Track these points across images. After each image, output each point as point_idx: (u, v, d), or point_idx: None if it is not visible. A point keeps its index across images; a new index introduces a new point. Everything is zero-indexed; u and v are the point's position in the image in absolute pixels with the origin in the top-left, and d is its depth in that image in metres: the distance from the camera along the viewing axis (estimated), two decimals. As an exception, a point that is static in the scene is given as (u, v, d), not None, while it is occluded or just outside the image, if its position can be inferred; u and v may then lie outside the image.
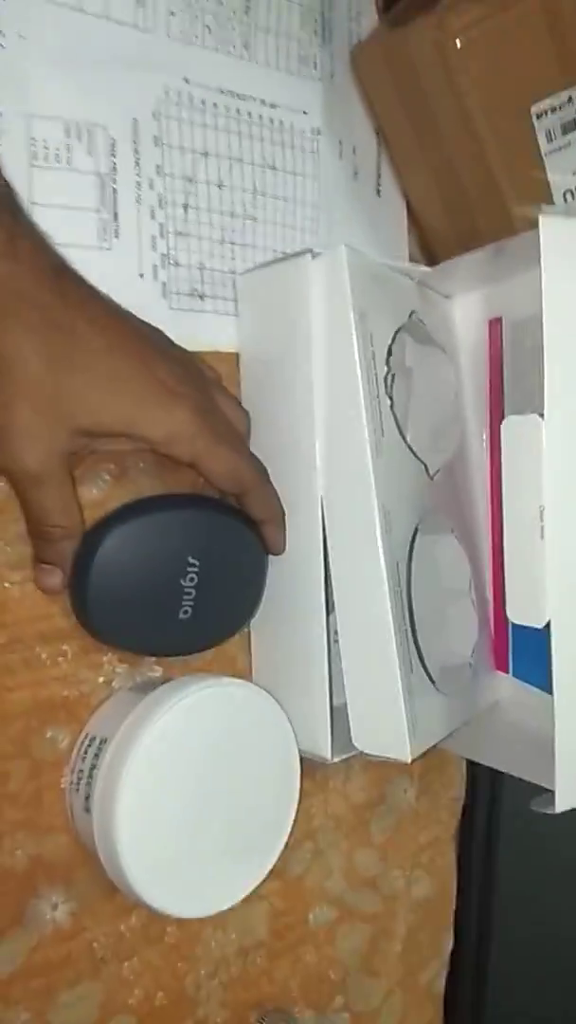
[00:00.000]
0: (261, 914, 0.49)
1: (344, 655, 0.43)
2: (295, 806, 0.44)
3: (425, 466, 0.47)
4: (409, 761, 0.41)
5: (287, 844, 0.44)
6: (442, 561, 0.50)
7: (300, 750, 0.44)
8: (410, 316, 0.48)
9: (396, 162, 0.53)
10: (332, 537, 0.42)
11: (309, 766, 0.46)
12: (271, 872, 0.43)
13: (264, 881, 0.43)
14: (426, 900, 0.58)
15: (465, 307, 0.53)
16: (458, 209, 0.50)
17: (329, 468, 0.42)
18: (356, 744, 0.43)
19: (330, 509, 0.42)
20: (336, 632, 0.43)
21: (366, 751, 0.43)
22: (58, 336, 0.34)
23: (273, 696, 0.43)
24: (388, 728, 0.41)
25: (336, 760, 0.44)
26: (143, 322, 0.40)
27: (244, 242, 0.47)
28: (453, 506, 0.51)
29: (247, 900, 0.42)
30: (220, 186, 0.46)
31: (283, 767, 0.44)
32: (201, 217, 0.45)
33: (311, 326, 0.42)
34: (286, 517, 0.43)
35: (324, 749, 0.43)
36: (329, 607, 0.43)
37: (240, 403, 0.45)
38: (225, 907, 0.42)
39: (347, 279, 0.41)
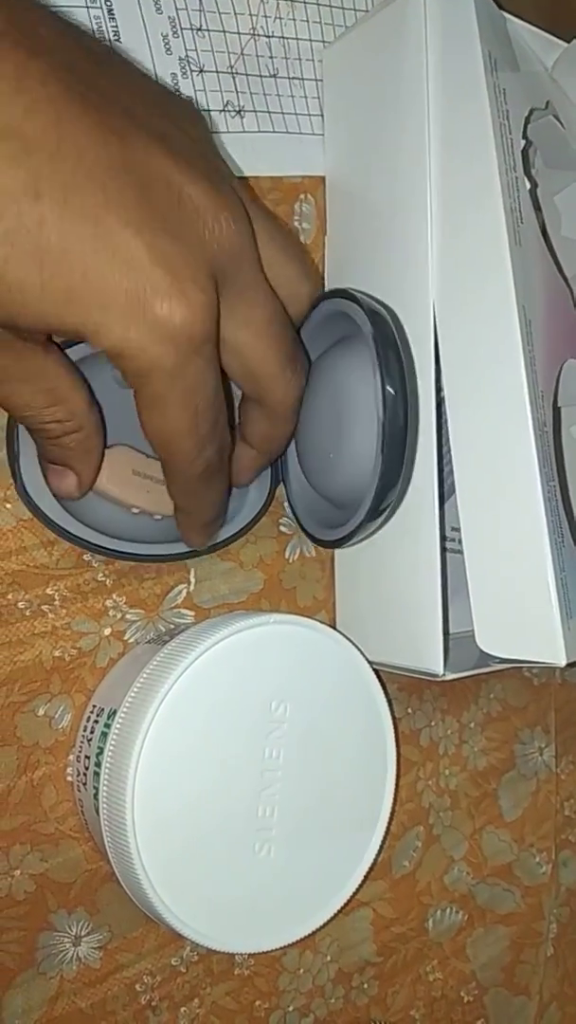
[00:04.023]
0: (363, 926, 0.38)
1: (464, 515, 0.31)
2: (392, 780, 0.33)
3: (572, 293, 0.34)
4: (563, 664, 0.28)
5: (388, 832, 0.33)
6: None
7: (399, 670, 0.33)
8: (546, 106, 0.35)
9: None
10: (447, 355, 0.31)
11: (410, 729, 0.39)
12: (370, 871, 0.33)
13: (361, 885, 0.32)
14: (580, 887, 0.47)
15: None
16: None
17: (445, 260, 0.31)
18: (481, 644, 0.30)
19: (445, 319, 0.31)
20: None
21: (496, 654, 0.30)
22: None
23: (356, 604, 0.33)
24: (529, 618, 0.29)
25: (449, 677, 0.32)
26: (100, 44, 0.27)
27: (283, 34, 0.35)
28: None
29: (342, 910, 0.32)
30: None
31: (368, 729, 0.32)
32: (221, 4, 0.33)
33: (428, 80, 0.31)
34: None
35: (433, 661, 0.31)
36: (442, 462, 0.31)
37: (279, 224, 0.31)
38: (305, 932, 0.30)
39: (474, 16, 0.30)
